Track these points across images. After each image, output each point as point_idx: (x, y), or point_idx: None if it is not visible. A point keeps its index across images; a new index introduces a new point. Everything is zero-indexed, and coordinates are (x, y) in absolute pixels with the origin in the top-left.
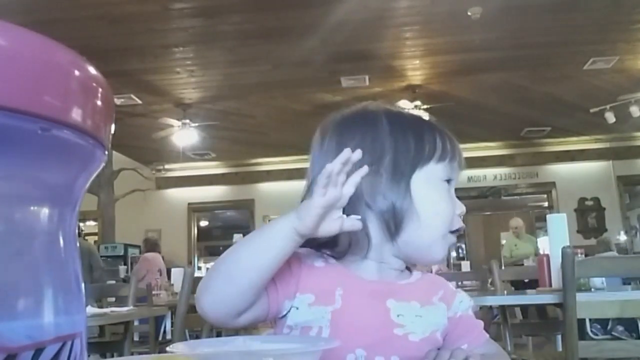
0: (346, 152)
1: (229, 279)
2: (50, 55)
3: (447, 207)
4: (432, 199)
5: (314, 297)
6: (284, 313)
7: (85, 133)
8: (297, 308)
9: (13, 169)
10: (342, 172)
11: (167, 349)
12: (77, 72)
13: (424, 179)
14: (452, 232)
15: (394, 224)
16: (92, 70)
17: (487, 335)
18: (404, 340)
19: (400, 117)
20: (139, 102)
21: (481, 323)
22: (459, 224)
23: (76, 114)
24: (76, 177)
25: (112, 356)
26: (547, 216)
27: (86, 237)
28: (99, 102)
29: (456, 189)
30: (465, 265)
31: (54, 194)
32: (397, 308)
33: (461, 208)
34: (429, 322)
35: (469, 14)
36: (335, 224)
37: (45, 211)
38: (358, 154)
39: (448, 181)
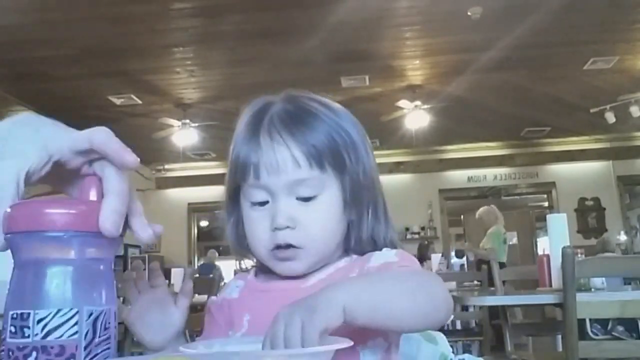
0: None
1: None
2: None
3: (256, 229)
4: (246, 221)
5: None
6: None
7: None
8: None
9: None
10: None
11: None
12: None
13: (243, 201)
14: (274, 249)
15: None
16: None
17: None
18: None
19: (244, 129)
20: (139, 102)
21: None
22: (277, 239)
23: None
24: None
25: None
26: (547, 216)
27: None
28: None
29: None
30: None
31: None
32: None
33: (276, 222)
34: None
35: (469, 14)
36: None
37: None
38: None
39: (261, 202)
